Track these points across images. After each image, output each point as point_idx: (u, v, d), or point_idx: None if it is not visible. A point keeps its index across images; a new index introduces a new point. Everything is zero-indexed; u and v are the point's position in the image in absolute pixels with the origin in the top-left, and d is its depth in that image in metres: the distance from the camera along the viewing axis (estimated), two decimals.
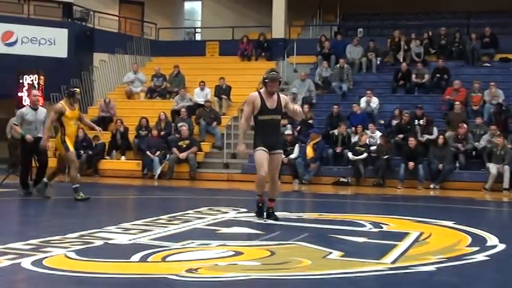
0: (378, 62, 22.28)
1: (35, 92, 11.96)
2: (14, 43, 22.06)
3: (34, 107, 11.97)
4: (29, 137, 11.64)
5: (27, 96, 11.71)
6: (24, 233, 7.77)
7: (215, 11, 29.32)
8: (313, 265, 5.93)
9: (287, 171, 16.89)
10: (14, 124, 11.96)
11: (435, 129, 17.66)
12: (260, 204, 8.91)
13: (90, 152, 18.81)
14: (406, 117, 17.99)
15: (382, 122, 18.97)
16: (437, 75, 20.52)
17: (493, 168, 16.08)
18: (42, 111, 12.07)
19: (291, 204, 10.42)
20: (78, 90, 11.78)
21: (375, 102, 19.55)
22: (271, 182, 8.75)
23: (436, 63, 21.25)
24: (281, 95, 8.74)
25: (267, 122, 8.55)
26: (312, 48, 23.27)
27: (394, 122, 18.44)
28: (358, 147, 17.37)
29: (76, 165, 11.62)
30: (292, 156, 17.34)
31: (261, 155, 8.51)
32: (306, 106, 19.44)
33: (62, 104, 11.30)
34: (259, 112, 8.53)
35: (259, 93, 8.63)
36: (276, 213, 8.85)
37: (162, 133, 19.10)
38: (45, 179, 11.74)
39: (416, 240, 7.51)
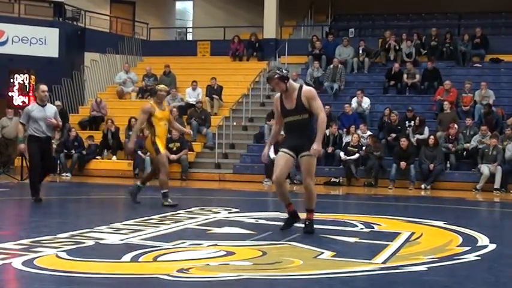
0: (369, 62, 22.29)
1: (43, 87, 10.81)
2: (5, 42, 21.98)
3: (42, 103, 10.84)
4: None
5: (36, 91, 10.93)
6: (15, 233, 7.76)
7: (206, 11, 29.31)
8: (304, 265, 5.93)
9: None
10: (20, 123, 10.78)
11: (426, 130, 17.71)
12: (287, 216, 8.05)
13: (84, 152, 18.77)
14: (394, 117, 18.03)
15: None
16: (428, 78, 20.54)
17: (485, 168, 16.14)
18: (51, 108, 10.99)
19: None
20: (161, 86, 10.89)
21: (366, 102, 19.57)
22: (304, 189, 7.90)
23: (426, 64, 21.26)
24: (304, 90, 7.79)
25: (289, 123, 7.92)
26: (303, 48, 23.30)
27: (385, 120, 18.47)
28: (350, 148, 17.40)
29: (167, 169, 10.81)
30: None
31: (277, 158, 7.88)
32: None
33: (151, 104, 10.53)
34: (281, 114, 7.94)
35: (281, 94, 7.85)
36: (268, 212, 8.81)
37: None
38: (138, 183, 11.03)
39: (407, 240, 7.53)
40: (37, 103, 10.89)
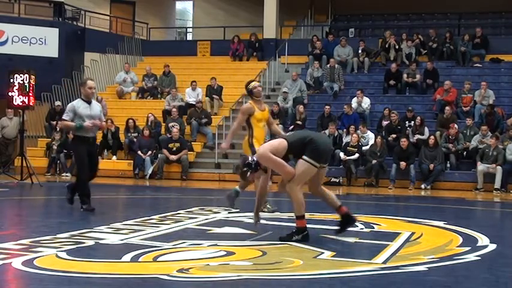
0: (369, 62, 22.29)
1: (90, 82, 9.99)
2: (5, 42, 21.97)
3: (87, 99, 9.98)
4: (87, 124, 9.68)
5: (82, 86, 10.09)
6: (15, 233, 7.76)
7: (206, 11, 29.32)
8: (304, 265, 5.93)
9: None
10: (63, 120, 9.88)
11: (426, 130, 17.70)
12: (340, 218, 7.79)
13: None
14: (394, 117, 18.03)
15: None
16: (428, 79, 20.54)
17: (479, 166, 16.18)
18: (96, 105, 10.15)
19: (283, 204, 10.41)
20: (254, 83, 9.92)
21: (366, 102, 19.57)
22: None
23: (426, 64, 21.25)
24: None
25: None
26: (303, 48, 23.29)
27: (385, 123, 18.47)
28: (349, 148, 17.39)
29: (267, 175, 10.36)
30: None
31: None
32: (301, 107, 19.50)
33: (250, 103, 9.77)
34: None
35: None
36: (267, 213, 8.73)
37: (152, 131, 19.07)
38: (237, 187, 9.96)
39: (407, 240, 7.53)
40: (82, 99, 9.99)
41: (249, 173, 7.32)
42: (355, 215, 7.71)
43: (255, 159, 7.26)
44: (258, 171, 7.34)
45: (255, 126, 9.65)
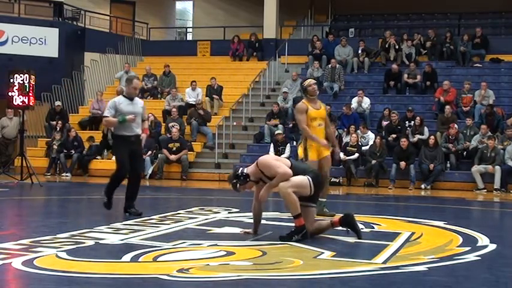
0: (369, 62, 22.29)
1: (136, 82, 9.50)
2: (5, 42, 21.97)
3: (130, 96, 9.45)
4: (130, 117, 9.13)
5: (127, 84, 9.52)
6: (15, 233, 7.76)
7: (206, 11, 29.33)
8: (304, 265, 5.93)
9: None
10: (105, 117, 9.31)
11: (426, 130, 17.70)
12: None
13: (84, 153, 18.77)
14: (394, 117, 18.02)
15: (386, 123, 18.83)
16: (427, 81, 20.55)
17: (474, 168, 16.24)
18: (139, 103, 9.58)
19: (283, 204, 10.42)
20: (308, 81, 9.50)
21: (366, 102, 19.57)
22: None
23: (428, 64, 21.26)
24: None
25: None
26: (303, 48, 23.30)
27: (385, 123, 18.47)
28: (349, 148, 17.39)
29: None
30: (283, 156, 17.35)
31: None
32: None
33: (304, 102, 9.34)
34: None
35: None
36: (267, 213, 8.75)
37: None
38: (321, 199, 9.09)
39: (407, 240, 7.53)
40: (124, 96, 9.49)
41: (238, 185, 7.35)
42: (355, 214, 7.70)
43: (245, 171, 7.32)
44: (248, 184, 7.35)
45: (308, 126, 9.27)
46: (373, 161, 16.84)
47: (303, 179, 7.19)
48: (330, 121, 18.09)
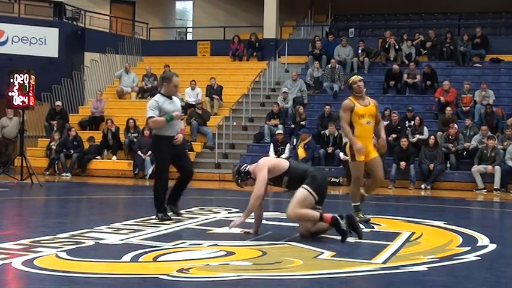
0: (369, 62, 22.29)
1: (176, 80, 8.96)
2: (5, 42, 21.97)
3: (169, 95, 9.00)
4: (177, 113, 8.82)
5: (166, 82, 8.97)
6: (15, 233, 7.76)
7: (206, 11, 29.33)
8: (304, 265, 5.93)
9: None
10: (151, 117, 8.71)
11: (425, 130, 17.70)
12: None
13: (84, 154, 18.76)
14: (394, 117, 18.02)
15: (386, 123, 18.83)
16: (427, 81, 20.56)
17: (474, 168, 16.24)
18: (177, 100, 9.23)
19: (283, 204, 10.42)
20: (354, 78, 8.96)
21: None
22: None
23: (427, 65, 21.26)
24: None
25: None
26: (303, 48, 23.30)
27: (385, 123, 18.45)
28: None
29: (359, 180, 8.90)
30: (283, 156, 17.36)
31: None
32: (301, 108, 19.51)
33: (350, 99, 8.86)
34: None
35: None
36: (267, 213, 8.70)
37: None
38: (354, 204, 8.97)
39: (407, 240, 7.52)
40: (161, 94, 8.99)
41: (239, 181, 7.56)
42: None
43: (247, 168, 7.45)
44: (249, 180, 7.50)
45: (356, 123, 8.76)
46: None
47: (301, 193, 7.25)
48: (330, 121, 18.32)
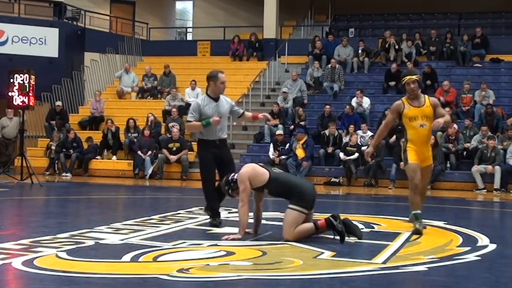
0: (369, 62, 22.30)
1: (222, 76, 8.42)
2: (5, 42, 21.98)
3: (215, 96, 8.45)
4: (215, 119, 8.12)
5: (212, 81, 8.52)
6: (15, 233, 7.76)
7: (206, 11, 29.33)
8: (304, 265, 5.93)
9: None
10: (188, 121, 8.39)
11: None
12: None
13: (83, 152, 18.76)
14: None
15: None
16: (427, 81, 20.56)
17: (474, 168, 16.25)
18: (225, 102, 8.50)
19: (283, 204, 10.42)
20: (406, 79, 8.28)
21: (366, 102, 19.57)
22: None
23: (427, 64, 21.26)
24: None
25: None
26: (303, 48, 23.30)
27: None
28: (349, 148, 17.39)
29: (414, 185, 8.08)
30: (283, 156, 17.40)
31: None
32: (300, 109, 19.51)
33: (402, 99, 8.29)
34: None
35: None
36: (266, 213, 8.71)
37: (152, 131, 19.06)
38: (414, 211, 8.13)
39: (407, 240, 7.52)
40: (208, 95, 8.47)
41: (230, 191, 7.54)
42: (355, 214, 7.71)
43: (235, 177, 7.47)
44: (238, 189, 7.46)
45: (407, 126, 8.30)
46: (372, 161, 16.84)
47: (290, 215, 7.22)
48: (330, 121, 18.31)
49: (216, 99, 8.37)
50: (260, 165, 7.57)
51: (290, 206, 7.25)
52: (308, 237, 7.22)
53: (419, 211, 8.08)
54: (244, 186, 7.33)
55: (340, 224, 7.18)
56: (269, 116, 8.89)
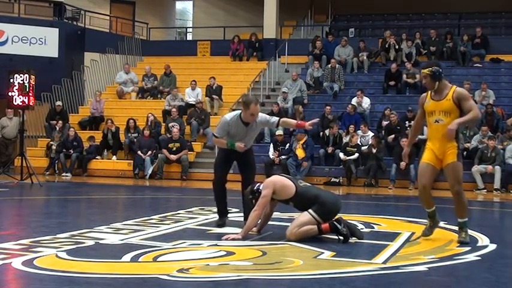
0: (369, 62, 22.31)
1: (254, 108, 7.86)
2: (5, 42, 21.98)
3: (246, 121, 8.01)
4: (239, 145, 7.99)
5: (243, 108, 7.91)
6: (15, 233, 7.75)
7: (206, 11, 29.34)
8: (304, 265, 5.93)
9: (279, 171, 16.89)
10: (214, 136, 8.25)
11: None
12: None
13: (85, 153, 18.75)
14: (393, 117, 18.01)
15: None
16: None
17: (474, 168, 16.25)
18: (254, 125, 8.13)
19: (283, 204, 10.42)
20: (422, 72, 7.46)
21: (366, 102, 19.57)
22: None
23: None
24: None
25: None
26: (303, 48, 23.30)
27: (385, 123, 18.45)
28: (349, 148, 17.39)
29: (419, 185, 7.66)
30: (283, 156, 17.40)
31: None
32: (300, 107, 19.52)
33: (427, 93, 7.50)
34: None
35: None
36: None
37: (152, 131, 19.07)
38: (461, 219, 7.54)
39: (407, 240, 7.53)
40: (240, 118, 8.03)
41: (253, 201, 7.52)
42: (355, 214, 7.71)
43: (260, 187, 7.48)
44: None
45: (427, 122, 7.56)
46: (372, 157, 16.84)
47: (304, 218, 7.25)
48: (331, 121, 18.31)
49: (247, 123, 8.06)
50: (288, 178, 7.60)
51: (309, 210, 7.26)
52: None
53: (466, 219, 7.50)
54: (266, 193, 7.34)
55: (345, 228, 7.18)
56: (316, 121, 8.40)
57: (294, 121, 8.53)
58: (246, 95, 8.66)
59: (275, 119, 8.23)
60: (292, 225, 7.29)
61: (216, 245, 6.82)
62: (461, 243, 7.20)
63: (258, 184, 7.60)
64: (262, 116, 8.14)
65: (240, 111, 8.12)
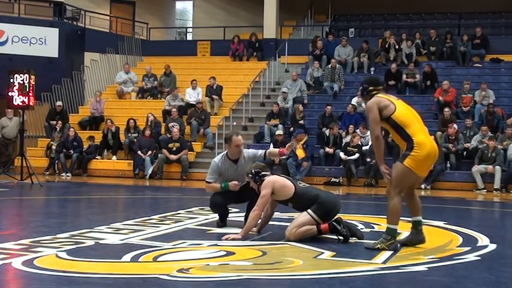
0: (369, 62, 22.30)
1: (237, 139, 8.07)
2: (5, 42, 21.98)
3: (233, 158, 8.16)
4: (234, 184, 8.07)
5: (227, 144, 8.19)
6: (15, 233, 7.76)
7: (206, 11, 29.34)
8: (304, 265, 5.93)
9: (278, 171, 16.90)
10: (207, 182, 8.33)
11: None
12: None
13: (85, 154, 18.74)
14: None
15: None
16: (427, 81, 20.57)
17: (474, 168, 16.25)
18: (243, 162, 8.16)
19: (283, 205, 10.42)
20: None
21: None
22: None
23: (427, 64, 21.27)
24: None
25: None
26: (303, 48, 23.30)
27: None
28: (349, 148, 17.39)
29: None
30: (283, 157, 17.38)
31: None
32: (300, 106, 19.51)
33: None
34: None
35: None
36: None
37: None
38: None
39: None
40: (227, 157, 8.19)
41: (252, 180, 7.53)
42: (355, 214, 7.70)
43: (264, 178, 7.46)
44: (255, 185, 7.53)
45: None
46: (374, 157, 16.86)
47: (303, 218, 7.26)
48: (332, 121, 18.31)
49: (236, 161, 8.16)
50: (287, 178, 7.61)
51: (308, 210, 7.26)
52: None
53: (392, 226, 7.09)
54: (265, 192, 7.33)
55: (345, 229, 7.18)
56: (294, 142, 8.60)
57: (277, 150, 8.49)
58: (226, 134, 8.50)
59: (261, 151, 8.33)
60: (291, 225, 7.29)
61: (216, 245, 6.83)
62: (367, 247, 6.86)
63: (264, 173, 7.57)
64: (248, 151, 8.30)
65: (225, 151, 8.31)
